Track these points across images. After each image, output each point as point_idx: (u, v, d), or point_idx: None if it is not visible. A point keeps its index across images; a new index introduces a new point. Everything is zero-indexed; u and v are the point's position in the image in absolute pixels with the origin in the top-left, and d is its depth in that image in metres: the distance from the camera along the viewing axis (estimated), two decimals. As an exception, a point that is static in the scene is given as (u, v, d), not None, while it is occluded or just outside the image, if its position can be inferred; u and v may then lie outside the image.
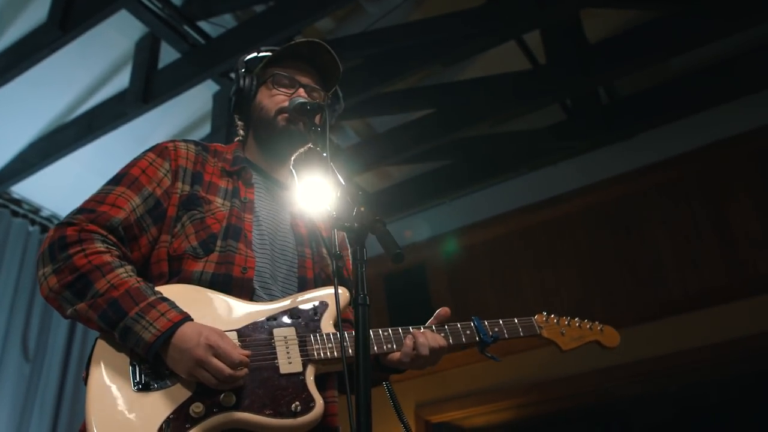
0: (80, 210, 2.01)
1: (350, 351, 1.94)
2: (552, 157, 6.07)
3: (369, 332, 1.59)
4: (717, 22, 4.60)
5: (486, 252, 6.38)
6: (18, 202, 5.98)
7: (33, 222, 6.01)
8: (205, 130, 5.60)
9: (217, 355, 1.77)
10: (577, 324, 2.33)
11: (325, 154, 1.99)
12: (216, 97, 5.45)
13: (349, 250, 1.84)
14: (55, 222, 6.13)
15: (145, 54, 5.05)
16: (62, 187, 5.91)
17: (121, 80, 5.16)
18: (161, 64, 5.02)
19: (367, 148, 5.95)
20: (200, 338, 1.78)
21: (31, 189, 5.91)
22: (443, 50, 4.86)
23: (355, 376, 1.56)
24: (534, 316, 2.28)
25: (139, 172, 2.10)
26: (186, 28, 4.74)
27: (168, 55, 4.97)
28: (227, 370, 1.76)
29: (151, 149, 2.19)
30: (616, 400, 6.18)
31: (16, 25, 4.78)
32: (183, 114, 5.61)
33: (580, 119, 5.71)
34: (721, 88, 5.29)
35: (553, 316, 2.31)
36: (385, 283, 6.63)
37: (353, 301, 1.65)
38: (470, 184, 6.31)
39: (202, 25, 4.82)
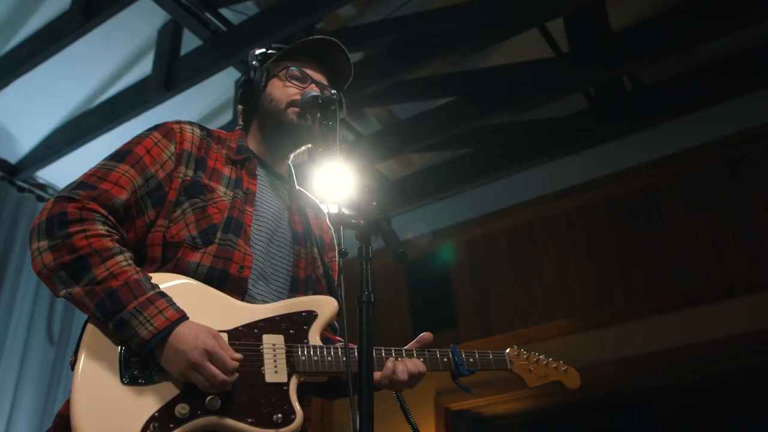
0: (81, 184, 1.93)
1: (333, 366, 1.99)
2: (574, 146, 6.02)
3: (372, 330, 1.59)
4: (743, 10, 4.52)
5: (507, 240, 6.34)
6: (43, 186, 6.06)
7: (58, 207, 6.06)
8: (227, 117, 5.63)
9: (212, 361, 1.77)
10: (544, 363, 2.42)
11: (334, 149, 1.99)
12: (237, 85, 5.46)
13: (337, 251, 1.86)
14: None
15: (167, 41, 5.07)
16: (86, 173, 5.97)
17: (144, 67, 5.20)
18: (183, 52, 5.04)
19: (389, 135, 5.95)
20: (197, 341, 1.77)
21: (56, 174, 6.00)
22: (465, 38, 4.83)
23: (359, 377, 1.56)
24: (507, 350, 2.36)
25: (144, 151, 2.04)
26: (208, 15, 4.74)
27: (190, 42, 4.98)
28: (221, 375, 1.77)
29: (157, 128, 2.14)
30: (639, 390, 6.15)
31: (40, 12, 4.81)
32: (205, 101, 5.62)
33: (603, 108, 5.65)
34: (746, 77, 5.21)
35: (523, 351, 2.39)
36: (406, 270, 6.63)
37: (357, 299, 1.65)
38: (492, 172, 6.28)
39: (224, 12, 4.81)
